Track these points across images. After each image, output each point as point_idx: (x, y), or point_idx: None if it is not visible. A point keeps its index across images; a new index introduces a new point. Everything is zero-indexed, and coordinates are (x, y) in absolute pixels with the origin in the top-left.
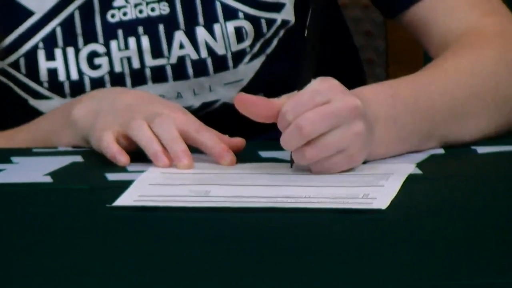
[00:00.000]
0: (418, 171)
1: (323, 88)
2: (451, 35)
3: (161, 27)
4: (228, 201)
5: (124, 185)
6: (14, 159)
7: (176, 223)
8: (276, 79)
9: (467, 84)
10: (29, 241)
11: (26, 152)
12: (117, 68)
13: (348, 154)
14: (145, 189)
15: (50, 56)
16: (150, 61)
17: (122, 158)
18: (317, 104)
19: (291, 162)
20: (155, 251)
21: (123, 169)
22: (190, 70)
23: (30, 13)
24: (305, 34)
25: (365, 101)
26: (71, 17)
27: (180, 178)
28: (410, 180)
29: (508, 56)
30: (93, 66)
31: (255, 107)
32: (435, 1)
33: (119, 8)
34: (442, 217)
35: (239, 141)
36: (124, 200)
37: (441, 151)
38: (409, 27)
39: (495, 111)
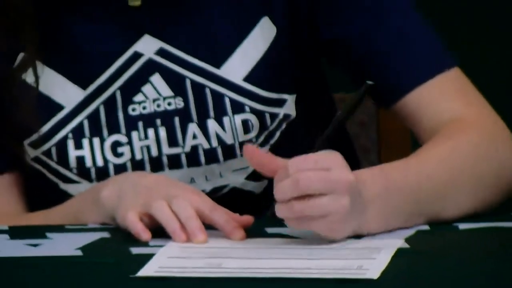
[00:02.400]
0: (407, 246)
1: (328, 157)
2: (437, 123)
3: (176, 120)
4: (238, 272)
5: (146, 258)
6: (49, 234)
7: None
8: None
9: (447, 169)
10: None
11: (59, 228)
12: (138, 156)
13: (328, 221)
14: (165, 262)
15: (78, 146)
16: (166, 150)
17: (145, 234)
18: (318, 167)
19: (269, 212)
20: None
21: (145, 244)
22: (202, 158)
23: (60, 107)
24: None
25: (361, 182)
26: (96, 111)
27: (196, 251)
28: (400, 253)
29: (483, 142)
30: (116, 154)
31: (261, 158)
32: (422, 93)
33: (139, 103)
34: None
35: (247, 218)
36: (146, 271)
37: (426, 227)
38: (401, 116)
39: (471, 192)
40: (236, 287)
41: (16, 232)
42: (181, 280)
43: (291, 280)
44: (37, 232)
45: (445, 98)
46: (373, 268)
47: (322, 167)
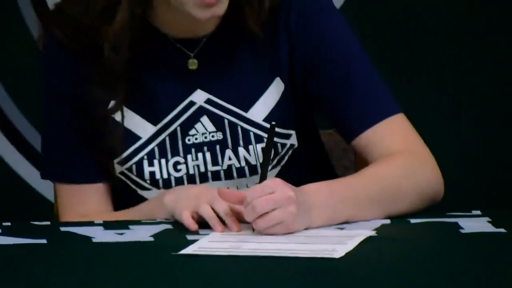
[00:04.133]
0: (375, 234)
1: (271, 184)
2: (381, 155)
3: (217, 147)
4: (249, 252)
5: (195, 241)
6: (130, 226)
7: (216, 263)
8: (287, 181)
9: (378, 184)
10: (137, 265)
11: (137, 222)
12: (191, 171)
13: (284, 224)
14: (204, 244)
15: (151, 164)
16: (210, 168)
17: (194, 226)
18: (265, 193)
19: (252, 228)
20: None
21: (196, 233)
22: (234, 174)
23: (139, 138)
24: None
25: (306, 193)
26: (163, 140)
27: (226, 237)
28: (368, 239)
29: (407, 166)
30: (177, 170)
31: (230, 196)
32: (371, 133)
33: (192, 135)
34: (381, 263)
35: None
36: (189, 249)
37: (388, 221)
38: (357, 149)
39: (395, 202)
40: (246, 262)
41: (108, 225)
42: (208, 257)
43: (280, 258)
44: (122, 224)
45: (388, 137)
46: (341, 250)
47: (268, 192)
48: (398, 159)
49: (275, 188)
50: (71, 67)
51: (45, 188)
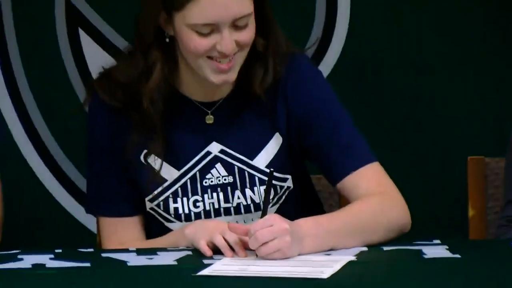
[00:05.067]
0: (355, 259)
1: (270, 218)
2: (361, 195)
3: (228, 188)
4: (255, 273)
5: (210, 265)
6: (158, 252)
7: (227, 282)
8: (285, 216)
9: (355, 220)
10: None
11: (164, 249)
12: (207, 208)
13: (281, 251)
14: (218, 267)
15: (175, 202)
16: (223, 205)
17: (209, 253)
18: (266, 226)
19: (256, 255)
20: None
21: (211, 258)
22: (242, 210)
23: (165, 180)
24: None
25: (298, 225)
26: (185, 182)
27: (235, 262)
28: (350, 263)
29: (378, 206)
30: (196, 207)
31: (238, 229)
32: (352, 178)
33: (208, 178)
34: (360, 282)
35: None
36: (205, 271)
37: (365, 248)
38: (341, 191)
39: (368, 234)
40: (251, 281)
41: (140, 251)
42: (222, 277)
43: (278, 278)
44: (152, 251)
45: (365, 181)
46: (328, 272)
47: (268, 225)
48: (373, 199)
49: (273, 222)
50: (111, 122)
51: (89, 221)
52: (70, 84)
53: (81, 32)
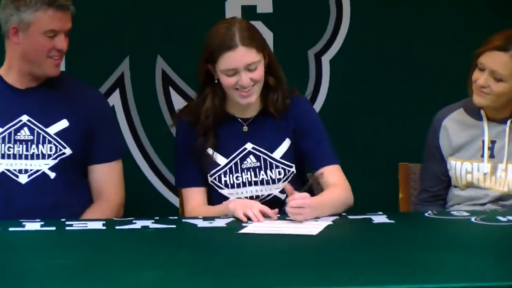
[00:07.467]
0: (332, 223)
1: (304, 194)
2: (329, 184)
3: (257, 169)
4: (270, 231)
5: (245, 227)
6: (215, 219)
7: (257, 237)
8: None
9: (332, 199)
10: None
11: (218, 218)
12: (244, 181)
13: (304, 215)
14: (250, 228)
15: (225, 176)
16: (253, 179)
17: (244, 219)
18: (302, 197)
19: (287, 215)
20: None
21: (245, 222)
22: (264, 182)
23: (218, 164)
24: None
25: (314, 200)
26: (231, 166)
27: (260, 225)
28: (329, 225)
29: (342, 191)
30: (237, 179)
31: (289, 190)
32: (323, 171)
33: (244, 163)
34: (335, 237)
35: (276, 210)
36: (243, 230)
37: (338, 217)
38: (316, 177)
39: (337, 207)
40: (269, 237)
41: (205, 218)
42: (249, 234)
43: (282, 235)
44: (211, 218)
45: (331, 176)
46: (316, 230)
47: (304, 196)
48: (338, 188)
49: (306, 196)
50: (188, 131)
51: (174, 200)
52: (163, 117)
53: (171, 90)
